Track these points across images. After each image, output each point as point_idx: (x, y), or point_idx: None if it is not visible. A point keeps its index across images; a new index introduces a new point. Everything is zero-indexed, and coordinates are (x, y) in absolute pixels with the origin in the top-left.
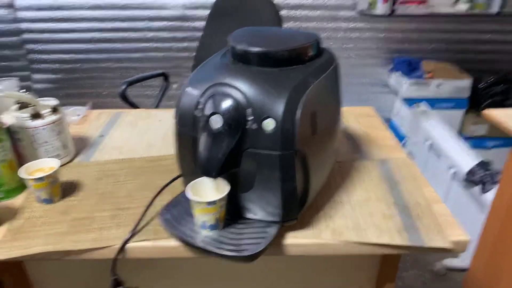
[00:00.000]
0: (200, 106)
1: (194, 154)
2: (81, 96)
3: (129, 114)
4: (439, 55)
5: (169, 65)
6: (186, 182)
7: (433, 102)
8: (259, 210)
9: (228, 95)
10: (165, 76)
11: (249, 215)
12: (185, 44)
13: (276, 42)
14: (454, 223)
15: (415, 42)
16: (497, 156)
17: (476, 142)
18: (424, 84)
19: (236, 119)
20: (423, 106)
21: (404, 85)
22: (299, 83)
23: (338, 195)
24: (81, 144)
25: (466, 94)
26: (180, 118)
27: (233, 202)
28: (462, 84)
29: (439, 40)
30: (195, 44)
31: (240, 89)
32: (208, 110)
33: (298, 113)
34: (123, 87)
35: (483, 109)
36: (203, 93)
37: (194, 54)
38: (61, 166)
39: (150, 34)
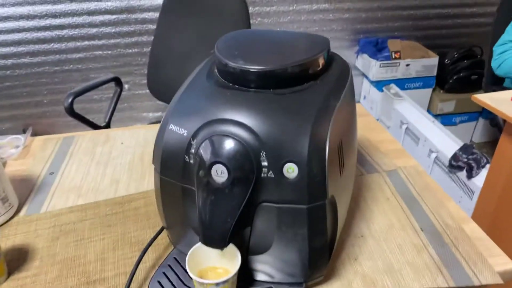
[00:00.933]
0: (192, 151)
1: (185, 206)
2: (15, 107)
3: (83, 138)
4: (404, 33)
5: (118, 64)
6: (173, 235)
7: (402, 83)
8: (278, 272)
9: (231, 136)
10: (117, 81)
11: (263, 278)
12: (134, 39)
13: (280, 54)
14: (494, 247)
15: (379, 21)
16: (465, 131)
17: (443, 119)
18: (393, 65)
19: (246, 168)
20: (394, 88)
21: (373, 67)
22: (320, 109)
23: (357, 226)
24: (26, 189)
25: (434, 72)
26: (164, 166)
27: (243, 266)
28: (430, 63)
29: (403, 18)
30: (145, 38)
31: (247, 125)
32: (207, 158)
33: (326, 150)
34: (69, 100)
35: (450, 85)
36: (196, 132)
37: (145, 49)
38: (1, 225)
39: (93, 30)
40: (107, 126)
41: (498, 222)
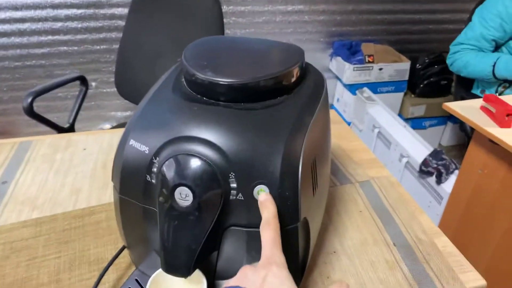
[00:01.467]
0: (154, 170)
1: (147, 228)
2: None
3: (42, 143)
4: (377, 37)
5: (85, 60)
6: (134, 255)
7: (375, 86)
8: None
9: (197, 155)
10: (82, 80)
11: None
12: (102, 35)
13: (252, 66)
14: (466, 263)
15: (353, 24)
16: (434, 134)
17: (414, 122)
18: (366, 69)
19: (214, 191)
20: (367, 92)
21: (347, 70)
22: (294, 126)
23: (329, 241)
24: None
25: (406, 76)
26: (123, 185)
27: None
28: (402, 67)
29: (377, 22)
30: (114, 34)
31: (215, 144)
32: (170, 179)
33: (299, 171)
34: (29, 99)
35: (421, 90)
36: (158, 150)
37: (114, 46)
38: None
39: (58, 25)
40: (71, 127)
41: (465, 227)
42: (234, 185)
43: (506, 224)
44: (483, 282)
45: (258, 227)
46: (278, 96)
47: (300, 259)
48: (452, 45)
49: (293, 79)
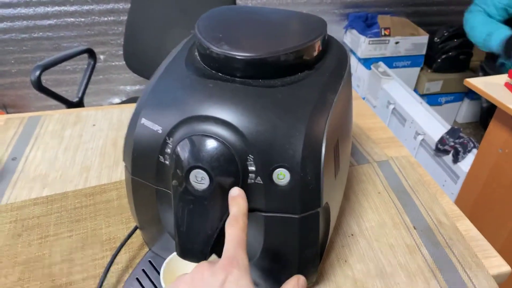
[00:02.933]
0: (168, 151)
1: (160, 210)
2: None
3: (51, 119)
4: (394, 9)
5: (92, 33)
6: (147, 237)
7: (391, 61)
8: (264, 281)
9: (214, 136)
10: (90, 52)
11: None
12: (109, 6)
13: (271, 39)
14: (489, 248)
15: None
16: (450, 111)
17: (429, 98)
18: (382, 43)
19: (231, 174)
20: (383, 66)
21: (362, 44)
22: (316, 106)
23: (347, 224)
24: None
25: (423, 51)
26: (135, 165)
27: None
28: (420, 41)
29: None
30: (121, 5)
31: (233, 124)
32: (185, 161)
33: (322, 154)
34: (36, 73)
35: (438, 65)
36: (172, 130)
37: (122, 18)
38: None
39: None
40: (80, 101)
41: (481, 207)
42: (252, 168)
43: None
44: (507, 268)
45: (277, 212)
46: (299, 72)
47: (319, 244)
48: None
49: (315, 54)
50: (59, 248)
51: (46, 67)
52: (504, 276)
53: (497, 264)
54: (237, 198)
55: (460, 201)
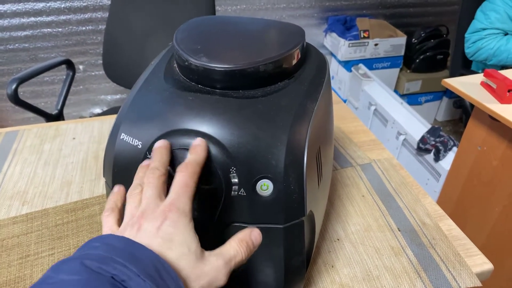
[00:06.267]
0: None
1: None
2: None
3: (29, 133)
4: (372, 12)
5: (70, 43)
6: None
7: (370, 63)
8: None
9: None
10: (68, 63)
11: None
12: (87, 15)
13: (250, 49)
14: (472, 247)
15: None
16: (429, 110)
17: (410, 98)
18: (362, 45)
19: (214, 187)
20: (363, 68)
21: (342, 47)
22: (298, 114)
23: (332, 228)
24: None
25: (401, 52)
26: (116, 181)
27: None
28: (398, 42)
29: None
30: (100, 14)
31: (214, 137)
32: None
33: (305, 163)
34: (13, 86)
35: (417, 65)
36: (152, 145)
37: (101, 27)
38: None
39: (39, 5)
40: (60, 113)
41: (463, 205)
42: (235, 180)
43: (504, 201)
44: (490, 266)
45: (262, 223)
46: (279, 81)
47: (305, 252)
48: (470, 33)
49: (294, 62)
50: (40, 268)
51: (22, 80)
52: (487, 274)
53: (480, 263)
54: (196, 147)
55: (442, 199)
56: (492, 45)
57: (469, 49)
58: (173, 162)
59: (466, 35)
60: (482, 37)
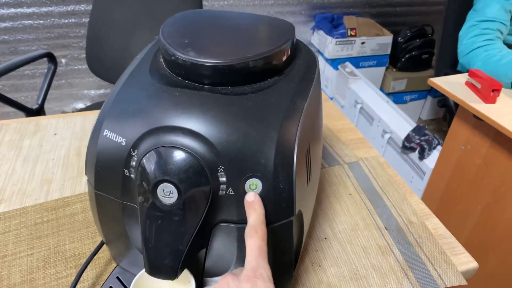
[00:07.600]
0: (133, 164)
1: (126, 225)
2: None
3: (7, 128)
4: (359, 10)
5: (52, 35)
6: (114, 252)
7: (357, 61)
8: None
9: (182, 148)
10: (50, 57)
11: None
12: (69, 8)
13: (239, 44)
14: (457, 245)
15: None
16: (414, 108)
17: (395, 97)
18: (349, 43)
19: (201, 187)
20: (349, 66)
21: (329, 44)
22: (287, 112)
23: (320, 227)
24: None
25: (388, 50)
26: (99, 180)
27: None
28: (385, 41)
29: None
30: (83, 7)
31: (201, 134)
32: (151, 175)
33: (295, 161)
34: None
35: (403, 64)
36: (137, 142)
37: (84, 20)
38: None
39: None
40: (40, 108)
41: (446, 202)
42: (223, 179)
43: (487, 199)
44: (475, 264)
45: None
46: (269, 78)
47: (293, 252)
48: (463, 31)
49: (284, 59)
50: (18, 268)
51: (1, 73)
52: (472, 272)
53: (465, 261)
54: (253, 204)
55: (427, 197)
56: (496, 51)
57: (463, 47)
58: (160, 162)
59: (460, 34)
60: (481, 32)
